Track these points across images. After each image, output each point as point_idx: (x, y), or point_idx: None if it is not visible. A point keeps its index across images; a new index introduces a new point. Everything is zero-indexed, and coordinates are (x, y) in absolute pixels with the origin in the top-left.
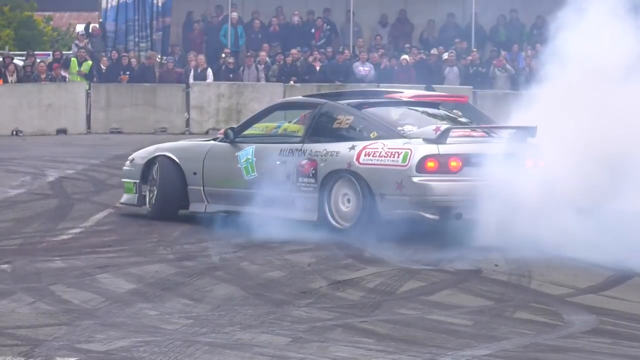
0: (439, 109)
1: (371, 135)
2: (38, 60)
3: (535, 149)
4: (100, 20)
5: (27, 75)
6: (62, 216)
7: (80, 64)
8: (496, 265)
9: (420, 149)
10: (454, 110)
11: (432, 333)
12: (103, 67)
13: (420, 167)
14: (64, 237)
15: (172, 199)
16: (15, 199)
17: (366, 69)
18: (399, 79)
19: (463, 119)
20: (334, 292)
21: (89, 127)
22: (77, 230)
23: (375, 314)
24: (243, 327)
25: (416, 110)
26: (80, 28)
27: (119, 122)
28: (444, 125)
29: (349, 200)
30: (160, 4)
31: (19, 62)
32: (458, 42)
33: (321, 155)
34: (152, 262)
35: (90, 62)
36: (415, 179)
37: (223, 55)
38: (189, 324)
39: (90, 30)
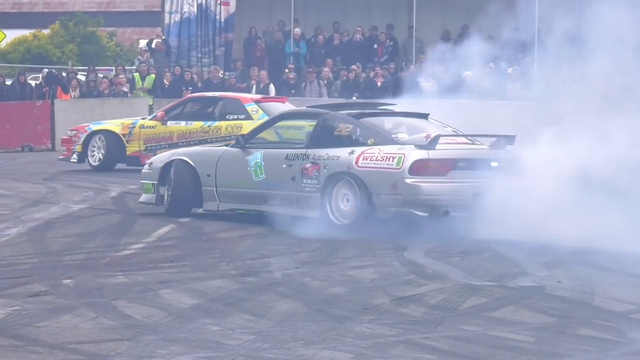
0: (427, 119)
1: (368, 141)
2: (101, 76)
3: (515, 155)
4: (163, 36)
5: (90, 91)
6: (124, 231)
7: (143, 79)
8: (559, 282)
9: (413, 154)
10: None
11: (495, 349)
12: (166, 82)
13: (413, 170)
14: (127, 252)
15: (186, 198)
16: (78, 214)
17: (429, 84)
18: (461, 93)
19: (449, 128)
20: (396, 308)
21: None
22: (140, 245)
23: (437, 330)
24: (305, 343)
25: (407, 120)
26: (143, 44)
27: None
28: (433, 133)
29: (348, 200)
30: (223, 20)
31: (82, 77)
32: (522, 57)
33: (323, 160)
34: (214, 278)
35: (153, 77)
36: (408, 181)
37: (286, 70)
38: (252, 340)
39: (153, 46)
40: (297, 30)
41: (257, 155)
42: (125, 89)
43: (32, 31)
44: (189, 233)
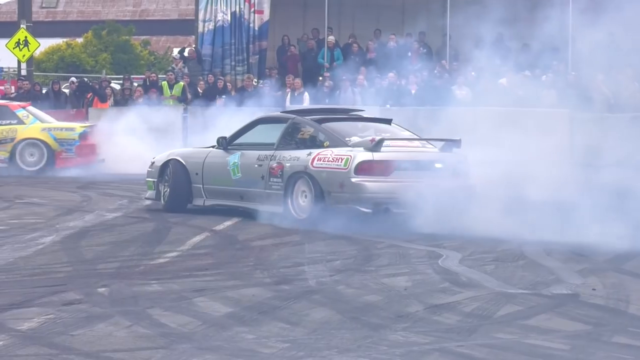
0: (390, 124)
1: (324, 144)
2: (135, 84)
3: (460, 158)
4: (197, 44)
5: (124, 99)
6: (159, 240)
7: (171, 87)
8: (593, 289)
9: (359, 156)
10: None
11: (530, 357)
12: (200, 90)
13: (358, 170)
14: (161, 260)
15: (182, 194)
16: (112, 222)
17: (463, 92)
18: (495, 101)
19: (406, 132)
20: (430, 316)
21: None
22: (174, 253)
23: (472, 338)
24: (340, 351)
25: (368, 124)
26: (176, 52)
27: None
28: (378, 137)
29: (305, 196)
30: (256, 28)
31: (115, 85)
32: (555, 64)
33: (287, 160)
34: (248, 286)
35: (181, 84)
36: (353, 180)
37: (320, 78)
38: (286, 348)
39: (186, 54)
40: (331, 38)
41: (235, 156)
42: (157, 97)
43: (65, 40)
44: (223, 241)
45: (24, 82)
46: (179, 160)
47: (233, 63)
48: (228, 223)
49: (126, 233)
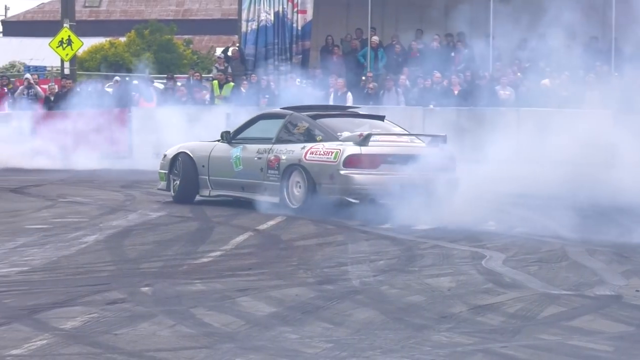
0: (383, 120)
1: (317, 138)
2: (178, 84)
3: (446, 152)
4: (240, 44)
5: (167, 98)
6: (202, 239)
7: (221, 87)
8: (637, 291)
9: (348, 150)
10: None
11: (573, 359)
12: (243, 90)
13: (346, 163)
14: (204, 260)
15: (190, 186)
16: (156, 221)
17: (507, 92)
18: (538, 102)
19: (397, 128)
20: (474, 316)
21: None
22: (218, 253)
23: (515, 339)
24: (383, 351)
25: (362, 120)
26: (219, 51)
27: None
28: (366, 132)
29: (300, 187)
30: (300, 28)
31: (159, 85)
32: (599, 65)
33: (283, 153)
34: (292, 286)
35: (232, 84)
36: (342, 172)
37: (363, 78)
38: (329, 348)
39: (229, 54)
40: (375, 38)
41: (237, 149)
42: (204, 97)
43: (108, 39)
44: (266, 241)
45: (67, 81)
46: (187, 154)
47: (276, 63)
48: (271, 223)
49: (170, 232)
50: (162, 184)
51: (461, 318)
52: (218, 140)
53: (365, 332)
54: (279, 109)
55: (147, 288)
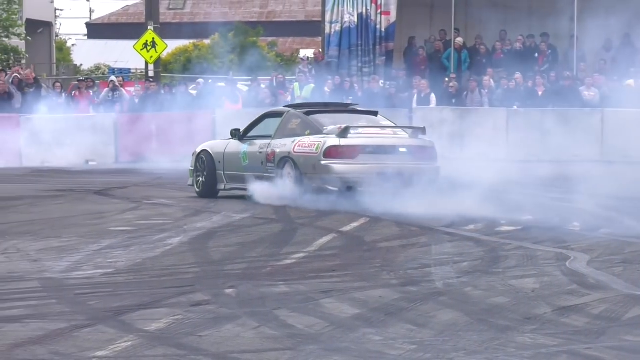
0: (377, 115)
1: (306, 132)
2: (262, 86)
3: (425, 143)
4: (324, 46)
5: (251, 100)
6: (285, 241)
7: (302, 89)
8: None
9: (328, 142)
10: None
11: None
12: (327, 91)
13: (326, 154)
14: (288, 261)
15: (212, 181)
16: (239, 223)
17: (592, 93)
18: (623, 103)
19: (385, 122)
20: (558, 318)
21: None
22: (301, 255)
23: (600, 341)
24: (467, 353)
25: (354, 116)
26: (303, 53)
27: None
28: (344, 125)
29: (291, 177)
30: (383, 29)
31: (243, 87)
32: None
33: (278, 147)
34: (375, 287)
35: (312, 86)
36: (322, 162)
37: (446, 79)
38: (413, 350)
39: (312, 56)
40: (459, 39)
41: (245, 145)
42: (286, 98)
43: (192, 41)
44: (350, 242)
45: (152, 84)
46: (208, 151)
47: (360, 64)
48: (355, 224)
49: (253, 234)
50: (190, 180)
51: (545, 319)
52: (230, 138)
53: (449, 334)
54: (281, 108)
55: (231, 290)
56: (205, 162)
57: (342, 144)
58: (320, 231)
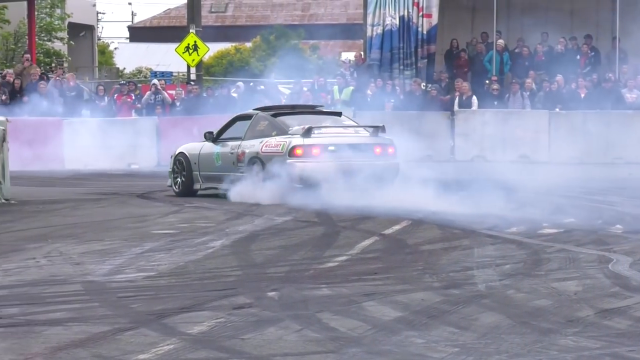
0: (340, 116)
1: (273, 133)
2: (304, 89)
3: (385, 141)
4: (365, 49)
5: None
6: (328, 244)
7: (341, 91)
8: None
9: (293, 141)
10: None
11: None
12: (369, 93)
13: (291, 153)
14: (330, 264)
15: (189, 182)
16: (281, 226)
17: (633, 95)
18: None
19: (347, 122)
20: (601, 320)
21: None
22: (343, 257)
23: None
24: (510, 356)
25: (319, 117)
26: (345, 56)
27: None
28: (307, 125)
29: (260, 176)
30: (425, 32)
31: (284, 90)
32: None
33: (247, 148)
34: (417, 290)
35: (351, 88)
36: (288, 161)
37: (487, 82)
38: (456, 352)
39: (354, 59)
40: (501, 41)
41: (218, 147)
42: (327, 101)
43: (234, 44)
44: (392, 245)
45: (194, 87)
46: (184, 153)
47: (401, 67)
48: (397, 227)
49: (296, 237)
50: (169, 181)
51: (588, 322)
52: (205, 140)
53: (492, 337)
54: (250, 111)
55: (273, 293)
56: (182, 164)
57: (305, 143)
58: (362, 234)
